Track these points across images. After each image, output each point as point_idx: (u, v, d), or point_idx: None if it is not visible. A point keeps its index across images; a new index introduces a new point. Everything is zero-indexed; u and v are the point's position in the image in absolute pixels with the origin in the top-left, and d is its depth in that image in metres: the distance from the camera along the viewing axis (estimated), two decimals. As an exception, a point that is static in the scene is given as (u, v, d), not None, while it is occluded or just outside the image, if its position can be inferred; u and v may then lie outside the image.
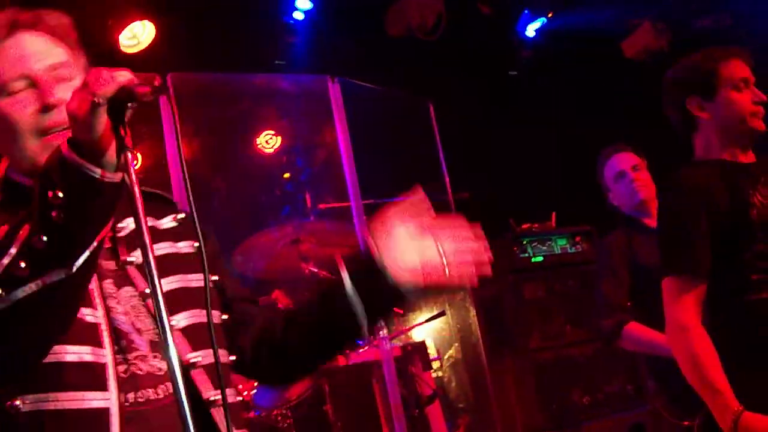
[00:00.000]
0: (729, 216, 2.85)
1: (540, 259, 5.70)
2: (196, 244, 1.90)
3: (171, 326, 1.76)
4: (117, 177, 1.52)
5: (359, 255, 1.90)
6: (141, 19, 5.21)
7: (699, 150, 3.13)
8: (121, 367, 1.72)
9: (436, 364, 5.14)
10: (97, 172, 1.50)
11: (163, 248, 1.91)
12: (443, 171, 5.67)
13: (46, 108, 1.75)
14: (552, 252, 5.78)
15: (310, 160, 6.12)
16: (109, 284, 1.79)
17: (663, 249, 2.97)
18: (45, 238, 1.50)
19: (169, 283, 1.86)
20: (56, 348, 1.66)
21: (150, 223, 1.74)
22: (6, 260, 1.52)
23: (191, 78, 4.89)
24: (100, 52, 4.98)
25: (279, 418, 4.62)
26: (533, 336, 5.48)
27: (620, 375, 5.57)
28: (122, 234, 1.87)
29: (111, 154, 1.51)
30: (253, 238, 4.81)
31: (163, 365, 1.75)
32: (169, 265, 1.88)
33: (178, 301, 1.82)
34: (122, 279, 1.82)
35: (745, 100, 3.01)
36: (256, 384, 4.48)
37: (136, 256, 1.83)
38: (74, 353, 1.68)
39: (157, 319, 1.49)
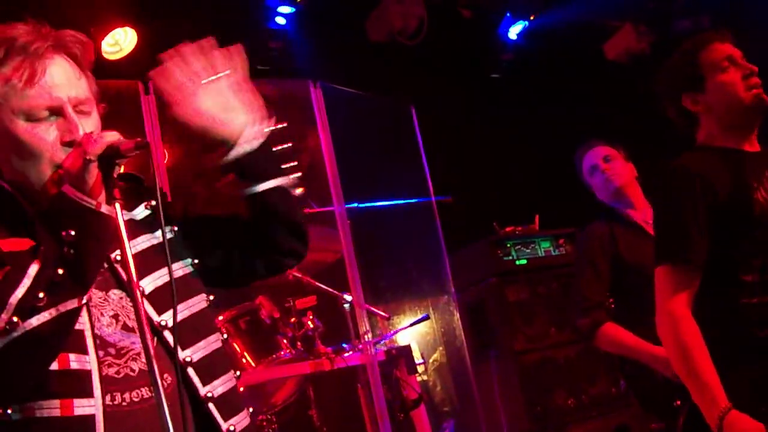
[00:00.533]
0: (728, 206, 2.76)
1: (524, 261, 5.70)
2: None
3: (163, 325, 1.81)
4: (112, 213, 1.71)
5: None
6: (123, 26, 5.20)
7: (701, 142, 3.03)
8: (112, 370, 1.76)
9: (421, 368, 5.12)
10: (93, 203, 1.71)
11: (142, 242, 1.95)
12: (426, 175, 5.67)
13: (71, 143, 1.82)
14: (536, 255, 5.77)
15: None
16: (94, 292, 1.81)
17: (658, 236, 2.87)
18: (61, 271, 1.67)
19: (154, 280, 1.90)
20: None
21: (126, 217, 1.84)
22: (21, 292, 1.64)
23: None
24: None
25: (264, 423, 4.60)
26: (517, 339, 5.47)
27: (605, 377, 5.57)
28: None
29: (101, 201, 1.72)
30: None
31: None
32: (152, 259, 1.92)
33: (167, 296, 1.85)
34: (109, 282, 1.86)
35: (735, 79, 2.92)
36: (241, 389, 4.46)
37: (116, 254, 1.89)
38: (59, 361, 1.71)
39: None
